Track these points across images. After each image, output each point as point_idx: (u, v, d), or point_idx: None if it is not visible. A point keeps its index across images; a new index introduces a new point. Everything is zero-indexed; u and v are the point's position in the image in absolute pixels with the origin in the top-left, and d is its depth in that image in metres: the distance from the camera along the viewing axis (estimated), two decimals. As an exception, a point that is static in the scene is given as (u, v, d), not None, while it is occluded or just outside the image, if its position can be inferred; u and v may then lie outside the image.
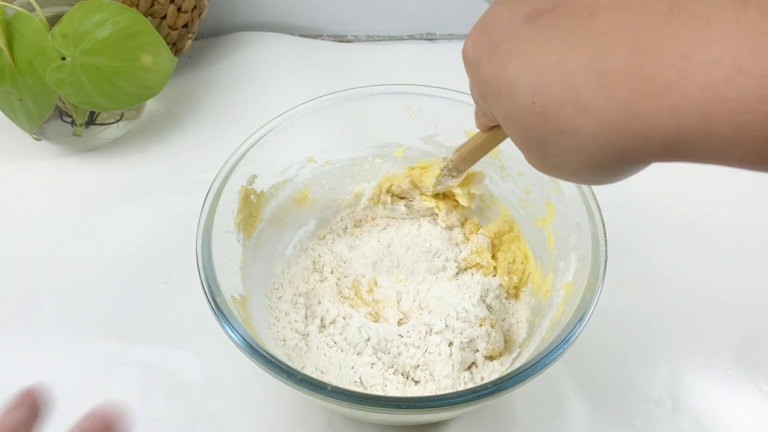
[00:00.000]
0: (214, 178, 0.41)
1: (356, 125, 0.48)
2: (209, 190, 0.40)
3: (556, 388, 0.44)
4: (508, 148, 0.37)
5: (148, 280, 0.50)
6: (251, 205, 0.44)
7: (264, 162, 0.44)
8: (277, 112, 0.45)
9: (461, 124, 0.44)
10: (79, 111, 0.56)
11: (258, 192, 0.44)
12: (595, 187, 0.40)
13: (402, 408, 0.31)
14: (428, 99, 0.46)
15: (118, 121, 0.60)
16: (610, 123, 0.20)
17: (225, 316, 0.35)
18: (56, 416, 0.43)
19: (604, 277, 0.36)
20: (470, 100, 0.45)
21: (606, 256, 0.37)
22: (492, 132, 0.36)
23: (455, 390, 0.39)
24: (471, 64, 0.27)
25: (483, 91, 0.26)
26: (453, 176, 0.44)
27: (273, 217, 0.46)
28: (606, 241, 0.37)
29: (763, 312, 0.48)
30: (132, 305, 0.49)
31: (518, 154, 0.27)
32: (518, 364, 0.34)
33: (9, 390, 0.45)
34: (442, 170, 0.44)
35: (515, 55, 0.23)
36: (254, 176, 0.43)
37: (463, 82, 0.49)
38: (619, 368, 0.45)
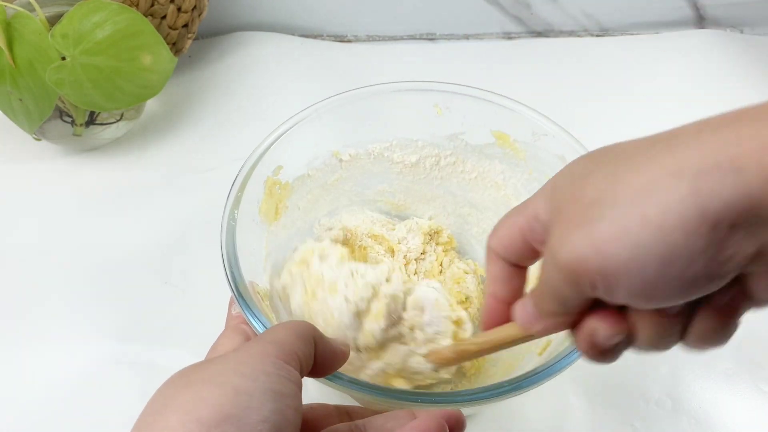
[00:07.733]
0: (241, 168, 0.40)
1: (382, 121, 0.47)
2: (235, 180, 0.40)
3: (556, 388, 0.44)
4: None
5: (148, 280, 0.50)
6: (276, 195, 0.44)
7: (289, 154, 0.44)
8: (277, 111, 0.45)
9: (487, 123, 0.44)
10: (79, 111, 0.56)
11: (283, 183, 0.44)
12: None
13: (418, 402, 0.31)
14: (456, 97, 0.46)
15: (118, 121, 0.60)
16: None
17: (247, 304, 0.34)
18: (56, 416, 0.44)
19: None
20: (498, 99, 0.44)
21: None
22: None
23: None
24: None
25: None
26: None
27: (297, 209, 0.46)
28: None
29: (763, 312, 0.48)
30: (132, 305, 0.49)
31: None
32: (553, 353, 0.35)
33: (9, 390, 0.45)
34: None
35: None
36: (280, 167, 0.43)
37: (462, 81, 0.49)
38: (619, 368, 0.45)
